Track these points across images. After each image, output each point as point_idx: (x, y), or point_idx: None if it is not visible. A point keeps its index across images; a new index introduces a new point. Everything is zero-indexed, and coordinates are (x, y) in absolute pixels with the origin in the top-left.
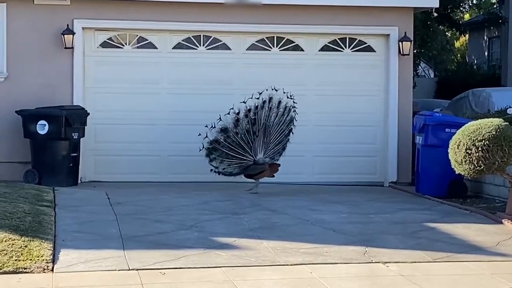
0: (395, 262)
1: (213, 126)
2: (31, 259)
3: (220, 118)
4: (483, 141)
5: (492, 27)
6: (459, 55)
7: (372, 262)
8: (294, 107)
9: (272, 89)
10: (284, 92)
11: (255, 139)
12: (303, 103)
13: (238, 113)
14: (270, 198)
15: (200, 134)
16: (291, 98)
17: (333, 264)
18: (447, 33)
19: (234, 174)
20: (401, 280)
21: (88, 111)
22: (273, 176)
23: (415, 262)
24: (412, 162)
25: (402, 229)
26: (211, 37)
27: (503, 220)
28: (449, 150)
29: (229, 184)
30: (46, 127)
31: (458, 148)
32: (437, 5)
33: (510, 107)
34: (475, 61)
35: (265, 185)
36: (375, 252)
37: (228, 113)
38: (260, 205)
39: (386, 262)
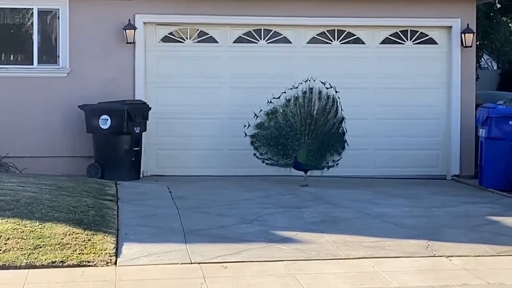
0: (458, 256)
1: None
2: (94, 253)
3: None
4: None
5: None
6: None
7: (435, 256)
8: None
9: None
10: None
11: None
12: (364, 96)
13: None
14: (331, 192)
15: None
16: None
17: (396, 258)
18: (510, 25)
19: None
20: (464, 274)
21: (149, 106)
22: None
23: (479, 256)
24: (475, 155)
25: (465, 222)
26: (271, 30)
27: None
28: None
29: (289, 178)
30: (109, 122)
31: None
32: None
33: None
34: None
35: (326, 178)
36: (438, 245)
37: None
38: (322, 198)
39: (449, 256)
